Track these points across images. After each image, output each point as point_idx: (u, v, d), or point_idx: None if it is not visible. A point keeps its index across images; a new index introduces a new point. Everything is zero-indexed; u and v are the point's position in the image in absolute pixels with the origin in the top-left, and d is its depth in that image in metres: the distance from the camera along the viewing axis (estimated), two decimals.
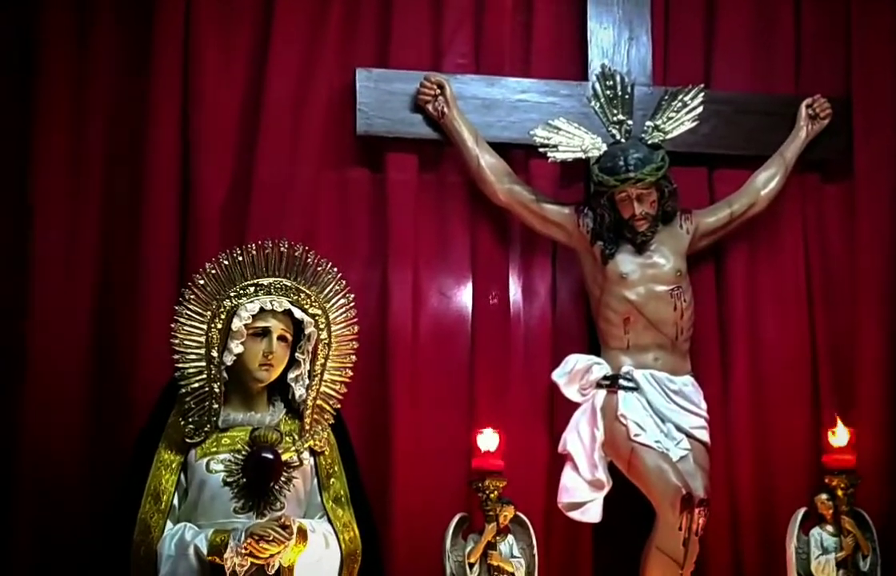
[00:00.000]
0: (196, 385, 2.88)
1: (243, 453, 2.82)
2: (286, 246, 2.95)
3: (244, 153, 3.54)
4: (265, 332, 2.92)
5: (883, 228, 3.87)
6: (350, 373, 3.01)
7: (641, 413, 3.41)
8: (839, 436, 3.45)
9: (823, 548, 3.41)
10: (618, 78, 3.52)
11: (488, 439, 3.29)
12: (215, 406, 2.89)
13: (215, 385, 2.88)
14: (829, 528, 3.43)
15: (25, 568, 3.24)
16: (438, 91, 3.59)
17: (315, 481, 2.97)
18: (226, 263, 2.91)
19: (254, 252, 2.93)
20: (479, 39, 3.76)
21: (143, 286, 3.40)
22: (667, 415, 3.43)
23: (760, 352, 3.77)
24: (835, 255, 3.88)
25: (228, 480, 2.81)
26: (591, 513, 3.40)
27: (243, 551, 2.69)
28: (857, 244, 3.86)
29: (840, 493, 3.40)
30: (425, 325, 3.62)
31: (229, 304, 2.90)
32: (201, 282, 2.90)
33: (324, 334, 2.97)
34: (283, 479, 2.83)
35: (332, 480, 2.99)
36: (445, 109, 3.59)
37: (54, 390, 3.35)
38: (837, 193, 3.91)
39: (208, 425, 2.88)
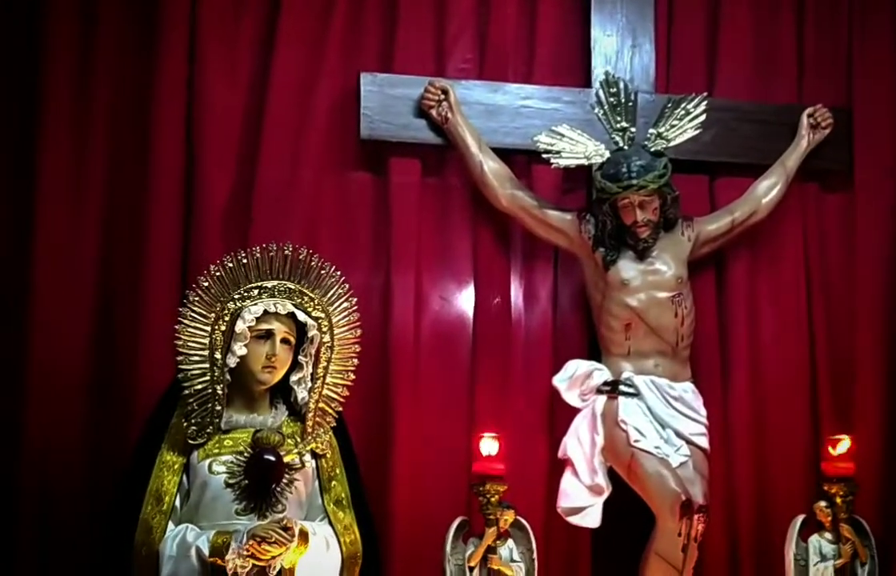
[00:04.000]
0: (199, 387, 2.89)
1: (245, 454, 2.82)
2: (290, 249, 2.96)
3: (248, 156, 3.55)
4: (268, 334, 2.93)
5: (882, 239, 3.89)
6: (352, 376, 3.02)
7: (641, 419, 3.42)
8: (838, 444, 3.46)
9: (822, 555, 3.43)
10: (621, 85, 3.54)
11: (489, 444, 3.30)
12: (218, 408, 2.90)
13: (218, 387, 2.89)
14: (828, 535, 3.44)
15: (28, 569, 3.24)
16: (442, 96, 3.61)
17: (316, 483, 2.99)
18: (230, 265, 2.92)
19: (258, 255, 2.93)
20: (482, 45, 3.77)
21: (145, 288, 3.41)
22: (667, 421, 3.44)
23: (760, 359, 3.78)
24: (834, 264, 3.90)
25: (230, 481, 2.81)
26: (591, 518, 3.41)
27: (245, 552, 2.70)
28: (857, 254, 3.88)
29: (839, 500, 3.42)
30: (427, 328, 3.63)
31: (233, 306, 2.91)
32: (205, 284, 2.91)
33: (326, 337, 2.98)
34: (284, 481, 2.84)
35: (334, 482, 3.00)
36: (449, 115, 3.60)
37: (56, 391, 3.35)
38: (837, 202, 3.93)
39: (211, 427, 2.89)
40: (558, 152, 3.53)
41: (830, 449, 3.47)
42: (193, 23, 3.54)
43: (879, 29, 3.97)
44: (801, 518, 3.48)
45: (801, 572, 3.43)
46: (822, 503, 3.45)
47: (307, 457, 2.95)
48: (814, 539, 3.45)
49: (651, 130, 3.51)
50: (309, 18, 3.64)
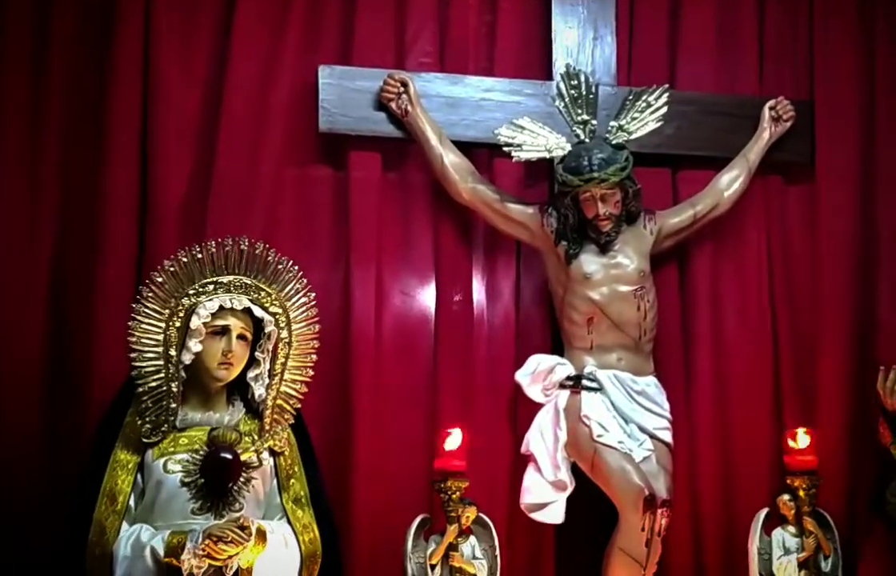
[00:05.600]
0: (153, 384, 2.84)
1: (201, 452, 2.80)
2: (246, 244, 2.92)
3: (204, 150, 3.50)
4: (224, 330, 2.89)
5: (844, 230, 3.89)
6: (311, 372, 2.99)
7: (605, 414, 3.40)
8: (801, 438, 3.46)
9: (785, 549, 3.43)
10: (582, 78, 3.52)
11: (451, 440, 3.28)
12: (173, 405, 2.85)
13: (173, 384, 2.85)
14: (791, 529, 3.44)
15: None
16: (402, 89, 3.57)
17: (275, 481, 2.95)
18: (185, 260, 2.88)
19: (213, 250, 2.89)
20: (443, 38, 3.74)
21: (100, 283, 3.35)
22: (630, 416, 3.43)
23: (723, 353, 3.77)
24: (797, 256, 3.90)
25: (186, 480, 2.79)
26: (554, 514, 3.39)
27: (201, 552, 2.66)
28: (820, 246, 3.88)
29: (802, 494, 3.42)
30: (388, 325, 3.60)
31: (188, 302, 2.87)
32: (160, 279, 2.87)
33: (284, 333, 2.95)
34: (241, 479, 2.82)
35: (292, 480, 2.97)
36: (409, 107, 3.57)
37: (10, 389, 3.30)
38: (800, 194, 3.93)
39: (165, 425, 2.85)
40: (519, 146, 3.50)
41: (791, 442, 3.46)
42: (148, 15, 3.49)
43: (841, 20, 3.97)
44: (764, 512, 3.48)
45: (764, 565, 3.43)
46: (786, 497, 3.45)
47: (265, 455, 2.91)
48: (777, 533, 3.45)
49: (612, 123, 3.49)
50: (267, 9, 3.60)
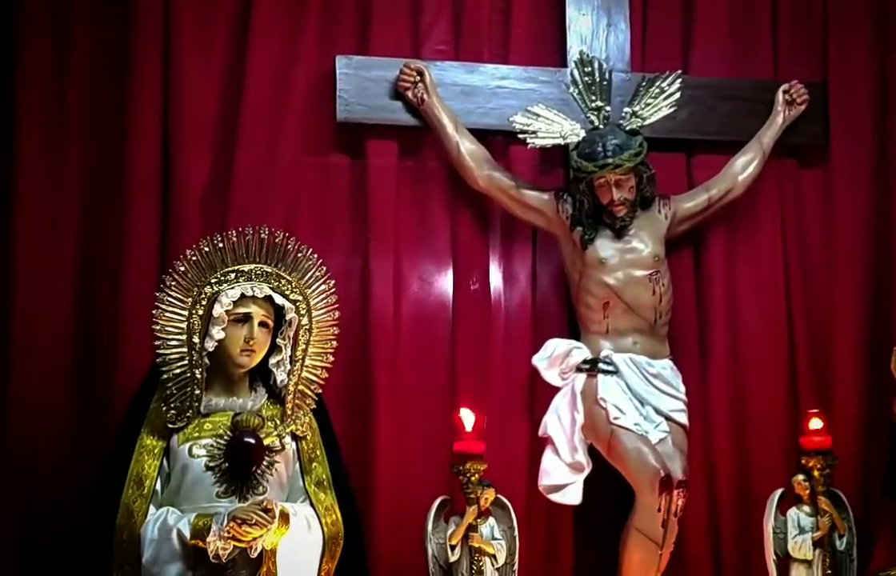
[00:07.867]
0: (178, 371, 2.89)
1: (225, 437, 2.84)
2: (266, 232, 2.95)
3: (225, 140, 3.55)
4: (246, 318, 2.93)
5: (859, 213, 3.91)
6: (331, 358, 3.02)
7: (621, 396, 3.44)
8: (810, 421, 3.47)
9: (800, 528, 3.45)
10: (596, 64, 3.54)
11: (469, 423, 3.31)
12: (197, 392, 2.90)
13: (197, 371, 2.89)
14: (806, 508, 3.46)
15: (8, 554, 3.25)
16: (418, 78, 3.61)
17: (297, 465, 2.99)
18: (206, 249, 2.92)
19: (234, 239, 2.93)
20: (458, 26, 3.77)
21: (125, 273, 3.41)
22: (646, 398, 3.46)
23: (738, 335, 3.80)
24: (812, 239, 3.91)
25: (211, 464, 2.83)
26: (572, 495, 3.43)
27: (226, 534, 2.70)
28: (834, 228, 3.89)
29: (817, 474, 3.43)
30: (406, 311, 3.64)
31: (210, 290, 2.91)
32: (182, 268, 2.90)
33: (304, 320, 2.98)
34: (265, 463, 2.86)
35: (314, 464, 3.01)
36: (425, 96, 3.61)
37: (38, 378, 3.36)
38: (814, 178, 3.94)
39: (190, 411, 2.89)
40: (534, 132, 3.54)
41: (807, 417, 3.48)
42: (168, 6, 3.53)
43: (854, 3, 3.98)
44: (779, 492, 3.50)
45: (779, 544, 3.45)
46: (801, 477, 3.47)
47: (287, 439, 2.95)
48: (792, 512, 3.47)
49: (626, 109, 3.51)
50: (285, 2, 3.63)
